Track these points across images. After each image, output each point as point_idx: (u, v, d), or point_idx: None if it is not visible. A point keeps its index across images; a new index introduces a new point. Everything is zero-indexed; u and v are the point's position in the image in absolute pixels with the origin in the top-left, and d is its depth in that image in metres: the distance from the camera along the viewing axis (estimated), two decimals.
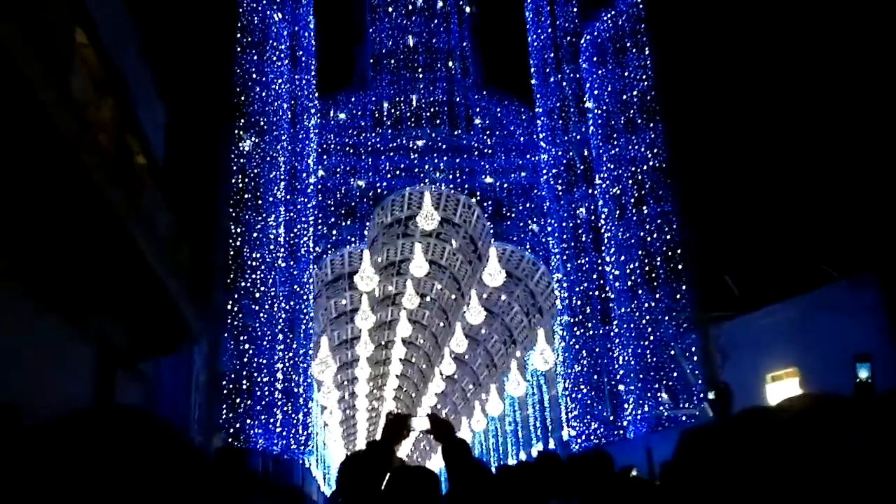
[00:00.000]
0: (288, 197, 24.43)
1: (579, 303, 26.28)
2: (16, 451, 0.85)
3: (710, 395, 17.42)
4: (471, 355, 42.12)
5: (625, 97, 24.57)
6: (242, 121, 22.64)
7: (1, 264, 6.70)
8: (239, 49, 23.02)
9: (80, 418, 0.90)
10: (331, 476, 44.29)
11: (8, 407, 4.94)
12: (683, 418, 21.32)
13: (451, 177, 29.50)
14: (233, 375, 20.94)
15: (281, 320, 22.94)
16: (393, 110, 30.44)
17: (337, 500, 5.10)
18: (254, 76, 23.28)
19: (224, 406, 20.17)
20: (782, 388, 18.37)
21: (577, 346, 26.05)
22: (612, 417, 24.74)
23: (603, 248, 25.31)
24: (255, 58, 23.51)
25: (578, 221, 26.77)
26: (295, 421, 23.62)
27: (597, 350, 25.46)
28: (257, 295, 21.87)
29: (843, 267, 17.73)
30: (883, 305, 16.60)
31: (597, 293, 25.81)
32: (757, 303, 19.50)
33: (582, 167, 26.81)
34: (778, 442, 1.24)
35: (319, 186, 28.02)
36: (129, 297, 9.16)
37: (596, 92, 25.55)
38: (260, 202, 22.61)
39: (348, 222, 28.56)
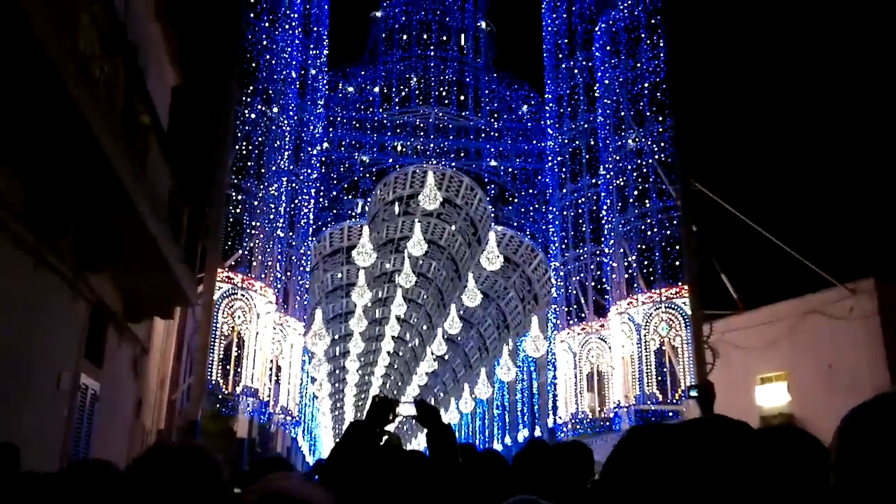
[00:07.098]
0: (291, 167, 24.33)
1: (575, 293, 26.29)
2: None
3: (693, 393, 17.39)
4: (464, 337, 42.23)
5: (635, 89, 24.34)
6: (250, 87, 22.49)
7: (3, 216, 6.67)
8: (252, 15, 22.81)
9: None
10: (317, 448, 44.54)
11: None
12: (670, 414, 21.37)
13: (455, 157, 29.37)
14: (225, 342, 21.00)
15: (276, 289, 22.95)
16: (402, 87, 30.25)
17: (312, 476, 5.13)
18: (264, 43, 23.09)
19: (215, 372, 20.24)
20: (771, 390, 18.36)
21: (569, 336, 26.10)
22: (599, 409, 24.84)
23: (602, 239, 25.26)
24: (267, 24, 23.30)
25: (580, 211, 26.69)
26: (285, 391, 23.73)
27: (588, 341, 25.50)
28: (254, 263, 21.86)
29: (840, 272, 17.68)
30: (877, 312, 16.53)
31: (593, 284, 25.81)
32: (753, 304, 19.48)
33: (587, 156, 26.67)
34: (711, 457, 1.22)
35: (323, 158, 27.90)
36: (124, 258, 9.14)
37: (607, 82, 25.30)
38: (263, 171, 22.52)
39: (350, 196, 28.48)
